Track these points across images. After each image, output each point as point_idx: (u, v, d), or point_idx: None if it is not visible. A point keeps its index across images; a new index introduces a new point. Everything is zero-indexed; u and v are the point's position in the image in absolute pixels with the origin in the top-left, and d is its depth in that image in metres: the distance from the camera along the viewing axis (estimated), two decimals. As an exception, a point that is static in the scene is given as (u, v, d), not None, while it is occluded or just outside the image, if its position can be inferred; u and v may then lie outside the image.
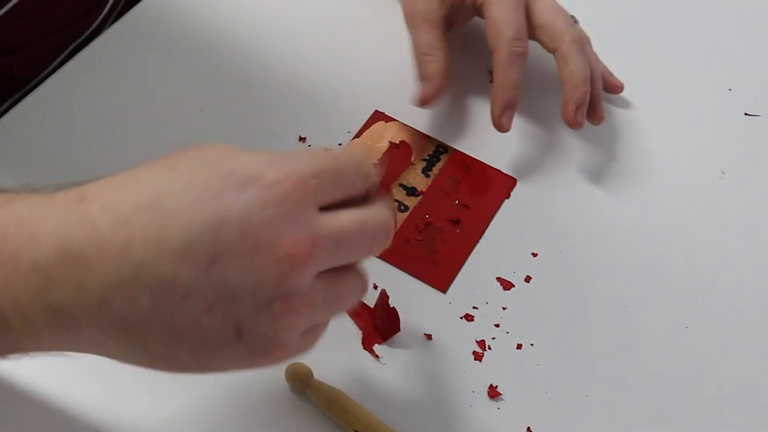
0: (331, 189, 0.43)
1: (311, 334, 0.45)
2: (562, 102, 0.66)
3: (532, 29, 0.67)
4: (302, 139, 0.67)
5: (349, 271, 0.45)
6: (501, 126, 0.65)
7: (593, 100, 0.68)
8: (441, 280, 0.61)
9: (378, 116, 0.69)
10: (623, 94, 0.73)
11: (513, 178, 0.67)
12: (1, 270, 0.41)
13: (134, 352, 0.42)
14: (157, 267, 0.40)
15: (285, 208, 0.41)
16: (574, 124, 0.65)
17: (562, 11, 0.68)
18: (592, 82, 0.67)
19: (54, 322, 0.41)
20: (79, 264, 0.40)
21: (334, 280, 0.44)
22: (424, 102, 0.67)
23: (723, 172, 0.69)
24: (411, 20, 0.69)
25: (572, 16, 0.69)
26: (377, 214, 0.45)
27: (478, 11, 0.68)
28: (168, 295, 0.40)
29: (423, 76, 0.67)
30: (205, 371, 0.44)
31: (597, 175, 0.68)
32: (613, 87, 0.72)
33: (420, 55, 0.68)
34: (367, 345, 0.57)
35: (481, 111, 0.70)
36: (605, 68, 0.72)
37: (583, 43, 0.67)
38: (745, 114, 0.73)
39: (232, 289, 0.40)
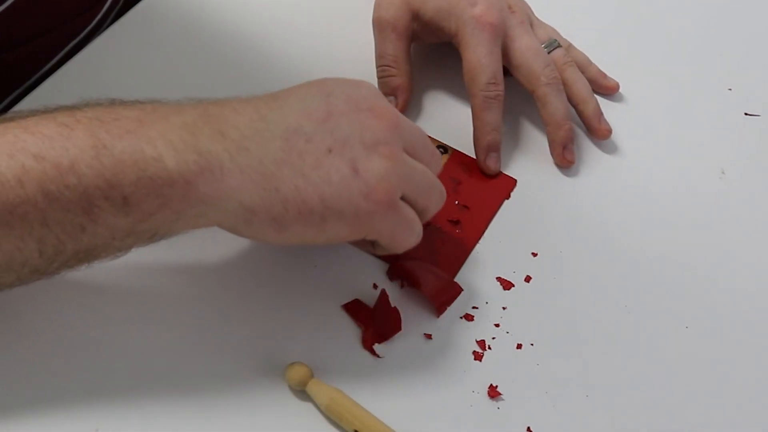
0: (410, 121, 0.56)
1: (411, 211, 0.54)
2: (549, 144, 0.68)
3: (510, 68, 0.68)
4: (302, 139, 0.67)
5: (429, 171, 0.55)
6: (488, 169, 0.67)
7: (591, 119, 0.69)
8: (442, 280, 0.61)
9: (378, 116, 0.69)
10: (623, 94, 0.73)
11: (513, 178, 0.67)
12: (156, 125, 0.49)
13: (269, 196, 0.50)
14: (282, 119, 0.51)
15: (374, 92, 0.54)
16: (564, 164, 0.68)
17: (538, 51, 0.68)
18: (585, 101, 0.69)
19: (202, 160, 0.48)
20: (218, 120, 0.50)
21: (419, 164, 0.54)
22: None
23: (723, 172, 0.69)
24: (378, 26, 0.69)
25: (555, 41, 0.70)
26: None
27: (457, 48, 0.68)
28: (294, 140, 0.50)
29: (387, 92, 0.69)
30: (327, 221, 0.51)
31: (597, 175, 0.68)
32: (606, 89, 0.72)
33: (383, 67, 0.69)
34: (367, 345, 0.57)
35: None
36: (597, 71, 0.73)
37: (559, 84, 0.68)
38: (745, 114, 0.73)
39: (345, 135, 0.51)
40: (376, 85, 0.69)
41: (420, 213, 0.55)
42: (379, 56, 0.69)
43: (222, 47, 0.72)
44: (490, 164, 0.66)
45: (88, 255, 0.50)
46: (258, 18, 0.74)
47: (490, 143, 0.66)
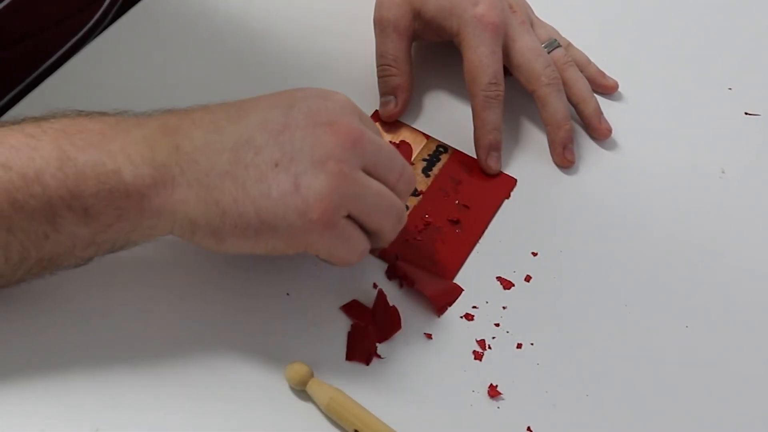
0: (370, 125, 0.55)
1: (354, 228, 0.53)
2: (549, 144, 0.68)
3: (510, 68, 0.68)
4: (302, 139, 0.67)
5: (388, 189, 0.54)
6: (489, 168, 0.67)
7: (591, 119, 0.69)
8: (441, 281, 0.61)
9: (378, 116, 0.69)
10: (623, 93, 0.73)
11: (513, 177, 0.67)
12: (117, 138, 0.51)
13: (209, 209, 0.51)
14: (237, 131, 0.52)
15: (342, 107, 0.53)
16: (564, 164, 0.68)
17: (539, 51, 0.68)
18: (585, 101, 0.69)
19: (156, 174, 0.50)
20: (176, 133, 0.51)
21: (373, 181, 0.53)
22: (389, 119, 0.69)
23: (723, 172, 0.69)
24: (380, 25, 0.69)
25: (555, 41, 0.70)
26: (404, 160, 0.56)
27: (458, 47, 0.68)
28: (244, 152, 0.51)
29: (387, 91, 0.69)
30: (262, 236, 0.51)
31: (597, 174, 0.68)
32: (605, 88, 0.73)
33: (384, 66, 0.69)
34: (351, 358, 0.57)
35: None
36: (596, 70, 0.73)
37: (560, 84, 0.68)
38: (745, 114, 0.73)
39: (295, 149, 0.51)
40: (377, 85, 0.69)
41: (373, 234, 0.55)
42: (380, 55, 0.69)
43: (222, 46, 0.72)
44: (491, 164, 0.66)
45: (50, 263, 0.51)
46: (258, 19, 0.74)
47: (491, 143, 0.66)
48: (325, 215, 0.51)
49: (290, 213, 0.50)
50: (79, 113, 0.53)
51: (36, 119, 0.52)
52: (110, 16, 0.78)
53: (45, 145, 0.49)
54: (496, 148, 0.67)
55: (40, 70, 0.73)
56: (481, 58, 0.66)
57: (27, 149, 0.49)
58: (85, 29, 0.75)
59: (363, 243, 0.54)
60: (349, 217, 0.53)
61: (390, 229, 0.55)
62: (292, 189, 0.50)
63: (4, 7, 0.66)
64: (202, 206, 0.51)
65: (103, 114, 0.53)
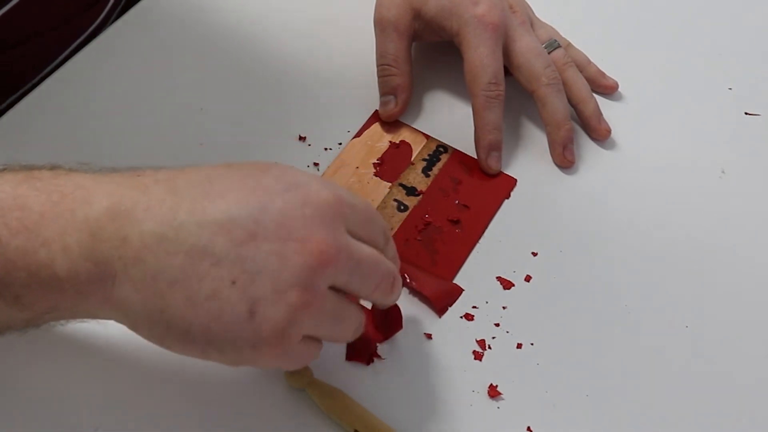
0: (360, 225, 0.48)
1: (308, 346, 0.48)
2: (549, 144, 0.68)
3: (511, 68, 0.68)
4: (302, 139, 0.67)
5: (354, 301, 0.50)
6: (489, 168, 0.67)
7: (591, 120, 0.69)
8: (441, 281, 0.61)
9: (378, 116, 0.69)
10: (623, 94, 0.73)
11: (513, 177, 0.67)
12: (58, 221, 0.45)
13: (153, 316, 0.45)
14: (195, 232, 0.44)
15: (321, 214, 0.46)
16: (564, 164, 0.68)
17: (539, 52, 0.68)
18: (585, 102, 0.69)
19: (95, 270, 0.45)
20: (126, 220, 0.45)
21: (342, 300, 0.48)
22: (389, 118, 0.68)
23: (723, 172, 0.69)
24: (380, 25, 0.69)
25: (555, 42, 0.70)
26: (389, 262, 0.50)
27: (458, 47, 0.68)
28: (199, 260, 0.44)
29: (387, 91, 0.68)
30: (207, 353, 0.46)
31: (597, 174, 0.68)
32: (605, 88, 0.73)
33: (384, 66, 0.69)
34: (350, 358, 0.57)
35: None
36: (596, 70, 0.73)
37: (560, 85, 0.68)
38: (745, 114, 0.73)
39: (258, 268, 0.44)
40: (377, 85, 0.69)
41: (328, 340, 0.51)
42: (380, 55, 0.69)
43: (221, 48, 0.72)
44: (491, 163, 0.66)
45: None
46: (258, 19, 0.74)
47: (491, 142, 0.66)
48: (277, 348, 0.46)
49: (240, 342, 0.45)
50: (27, 177, 0.47)
51: None
52: (115, 15, 0.78)
53: None
54: (496, 147, 0.67)
55: (45, 71, 0.73)
56: (482, 57, 0.66)
57: None
58: (89, 31, 0.75)
59: (314, 355, 0.49)
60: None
61: (348, 338, 0.51)
62: (246, 316, 0.44)
63: (9, 10, 0.67)
64: (145, 311, 0.45)
65: (53, 175, 0.47)
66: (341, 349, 0.57)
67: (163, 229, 0.45)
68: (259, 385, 0.54)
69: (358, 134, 0.68)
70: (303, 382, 0.54)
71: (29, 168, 0.48)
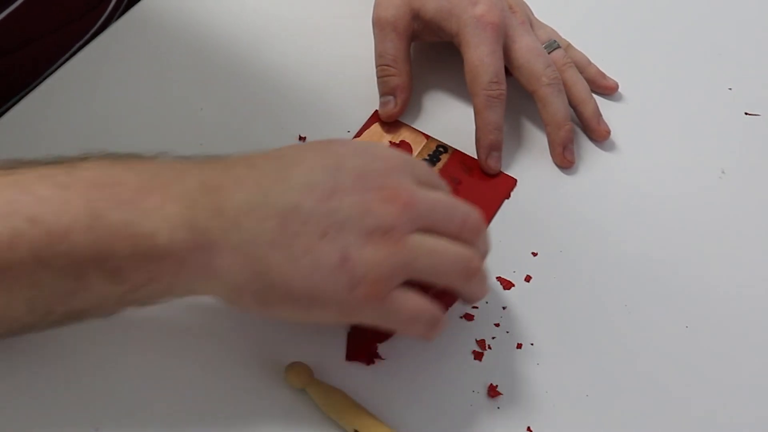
0: (425, 177, 0.52)
1: (405, 298, 0.50)
2: (549, 144, 0.68)
3: (511, 68, 0.68)
4: (302, 139, 0.67)
5: (450, 242, 0.52)
6: (490, 168, 0.67)
7: (590, 121, 0.69)
8: None
9: (378, 116, 0.69)
10: (623, 94, 0.73)
11: (513, 177, 0.67)
12: (154, 195, 0.48)
13: (256, 278, 0.48)
14: (283, 196, 0.49)
15: (391, 167, 0.51)
16: (564, 164, 0.68)
17: (539, 52, 0.68)
18: (584, 102, 0.69)
19: (195, 239, 0.47)
20: (218, 193, 0.48)
21: (434, 241, 0.51)
22: (389, 119, 0.68)
23: (723, 172, 0.69)
24: (378, 25, 0.69)
25: (555, 42, 0.70)
26: (466, 205, 0.53)
27: (458, 47, 0.68)
28: (291, 220, 0.48)
29: (387, 92, 0.68)
30: (311, 312, 0.49)
31: (597, 175, 0.68)
32: (605, 89, 0.73)
33: (383, 66, 0.69)
34: (350, 358, 0.57)
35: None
36: (596, 70, 0.73)
37: (560, 85, 0.68)
38: (745, 114, 0.73)
39: (343, 218, 0.48)
40: (377, 85, 0.69)
41: (443, 291, 0.52)
42: (379, 56, 0.69)
43: (221, 48, 0.72)
44: (492, 163, 0.66)
45: (79, 315, 0.49)
46: (257, 20, 0.74)
47: (492, 142, 0.66)
48: (374, 290, 0.49)
49: (340, 288, 0.48)
50: (113, 160, 0.49)
51: (69, 163, 0.48)
52: (116, 18, 0.78)
53: (75, 199, 0.46)
54: (497, 147, 0.67)
55: (46, 74, 0.73)
56: (482, 57, 0.66)
57: (56, 202, 0.46)
58: (90, 33, 0.75)
59: (426, 311, 0.51)
60: (410, 283, 0.50)
61: (461, 283, 0.52)
62: (340, 262, 0.48)
63: (9, 14, 0.67)
64: (248, 275, 0.48)
65: (139, 160, 0.50)
66: (341, 349, 0.57)
67: (254, 197, 0.49)
68: (259, 385, 0.54)
69: (358, 134, 0.68)
70: (303, 382, 0.54)
71: (112, 154, 0.50)
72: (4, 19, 0.67)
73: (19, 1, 0.67)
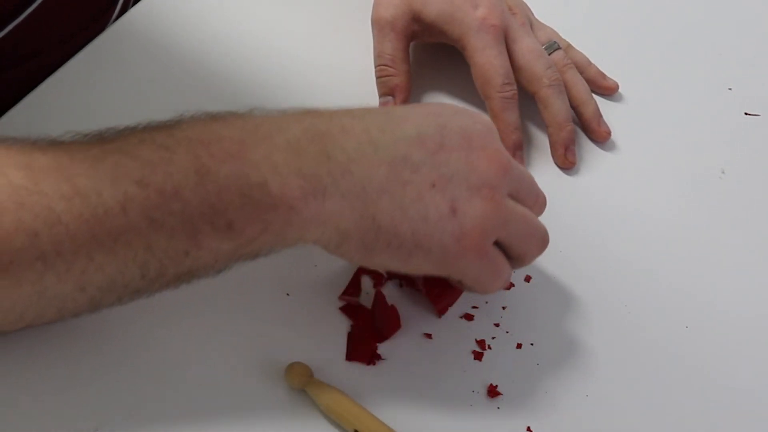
0: (519, 164, 0.55)
1: (501, 258, 0.53)
2: (550, 145, 0.68)
3: (512, 69, 0.68)
4: (302, 139, 0.67)
5: (532, 213, 0.55)
6: None
7: (591, 122, 0.70)
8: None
9: (378, 116, 0.69)
10: (623, 94, 0.73)
11: (513, 178, 0.67)
12: (260, 146, 0.48)
13: (364, 223, 0.49)
14: (393, 145, 0.50)
15: (489, 130, 0.53)
16: (566, 165, 0.68)
17: (540, 53, 0.68)
18: (584, 103, 0.70)
19: (306, 185, 0.48)
20: (325, 140, 0.49)
21: (523, 209, 0.53)
22: None
23: (723, 172, 0.69)
24: (377, 25, 0.69)
25: (555, 43, 0.70)
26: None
27: (462, 52, 0.68)
28: (401, 169, 0.49)
29: (386, 92, 0.69)
30: (413, 257, 0.50)
31: (597, 175, 0.68)
32: (606, 89, 0.73)
33: (382, 66, 0.69)
34: (351, 358, 0.57)
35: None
36: (597, 71, 0.73)
37: (561, 86, 0.68)
38: (745, 114, 0.73)
39: (452, 171, 0.50)
40: (376, 86, 0.69)
41: (516, 258, 0.55)
42: (378, 56, 0.69)
43: (219, 50, 0.72)
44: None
45: (189, 276, 0.49)
46: (256, 21, 0.74)
47: (515, 142, 0.67)
48: (478, 242, 0.51)
49: (446, 238, 0.50)
50: (212, 118, 0.49)
51: (167, 126, 0.49)
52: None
53: (181, 158, 0.47)
54: (520, 147, 0.67)
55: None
56: (491, 59, 0.66)
57: (162, 163, 0.46)
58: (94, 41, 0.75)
59: (507, 270, 0.54)
60: (496, 243, 0.53)
61: (533, 254, 0.55)
62: (448, 213, 0.50)
63: (15, 27, 0.66)
64: (357, 220, 0.49)
65: (236, 116, 0.50)
66: (341, 349, 0.57)
67: (363, 145, 0.49)
68: (259, 385, 0.54)
69: (358, 134, 0.68)
70: (303, 382, 0.54)
71: (207, 113, 0.50)
72: (11, 31, 0.67)
73: (26, 13, 0.67)
